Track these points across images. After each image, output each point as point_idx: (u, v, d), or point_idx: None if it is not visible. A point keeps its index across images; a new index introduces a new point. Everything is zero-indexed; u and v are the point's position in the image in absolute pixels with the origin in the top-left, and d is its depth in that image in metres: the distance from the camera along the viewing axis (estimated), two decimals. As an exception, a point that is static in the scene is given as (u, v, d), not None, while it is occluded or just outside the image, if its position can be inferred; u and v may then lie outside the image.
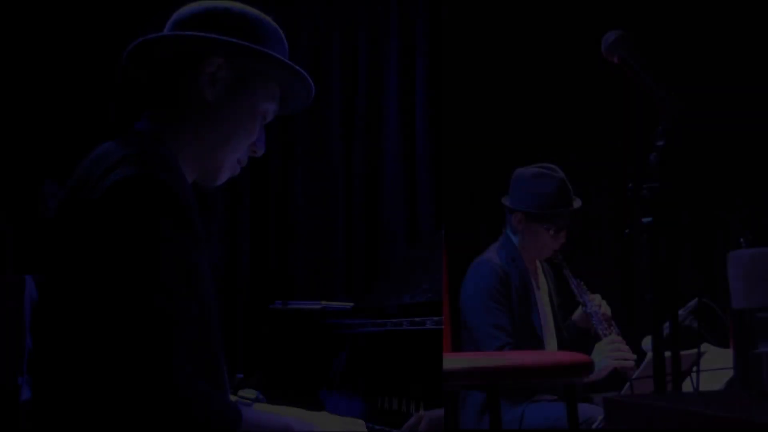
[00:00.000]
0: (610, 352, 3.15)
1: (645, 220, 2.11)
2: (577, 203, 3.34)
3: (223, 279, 5.00)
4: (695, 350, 2.68)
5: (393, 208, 5.08)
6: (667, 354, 2.12)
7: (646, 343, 3.03)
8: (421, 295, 2.69)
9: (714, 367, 2.82)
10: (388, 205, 5.10)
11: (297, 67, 1.76)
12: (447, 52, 4.39)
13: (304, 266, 5.15)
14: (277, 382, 3.18)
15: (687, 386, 2.76)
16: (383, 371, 2.60)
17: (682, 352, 2.21)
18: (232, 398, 1.76)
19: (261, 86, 1.76)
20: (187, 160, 1.73)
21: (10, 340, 4.25)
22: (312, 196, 5.20)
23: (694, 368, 2.76)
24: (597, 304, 3.32)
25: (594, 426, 3.00)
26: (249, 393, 1.84)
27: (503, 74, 4.45)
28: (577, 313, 3.42)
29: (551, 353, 3.17)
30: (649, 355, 2.80)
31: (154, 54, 1.71)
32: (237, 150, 1.77)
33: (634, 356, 3.14)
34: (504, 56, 4.44)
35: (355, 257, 5.12)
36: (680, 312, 2.95)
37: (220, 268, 5.00)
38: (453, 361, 2.51)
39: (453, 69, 4.38)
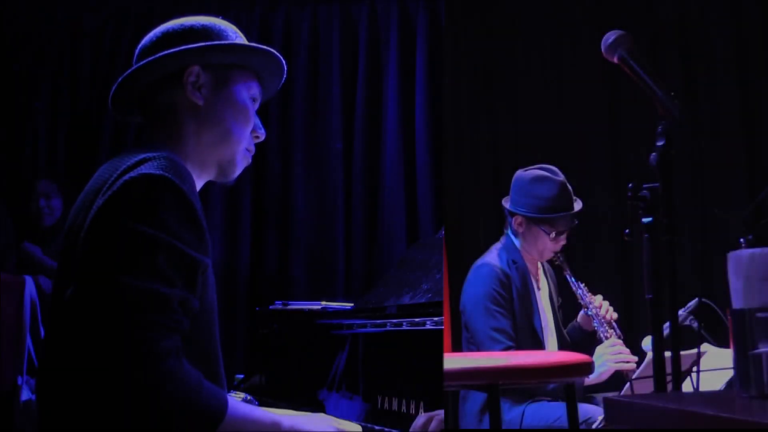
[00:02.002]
0: (610, 356, 3.14)
1: (645, 220, 2.11)
2: (578, 205, 3.31)
3: (223, 279, 5.00)
4: (695, 350, 2.68)
5: (393, 208, 5.08)
6: (667, 354, 2.12)
7: (646, 343, 3.03)
8: (421, 295, 2.69)
9: (714, 367, 2.82)
10: (388, 206, 5.10)
11: (262, 47, 1.91)
12: (447, 52, 4.39)
13: (304, 266, 5.15)
14: (277, 382, 3.18)
15: (687, 386, 2.76)
16: (383, 371, 2.60)
17: (682, 352, 2.21)
18: None
19: (239, 76, 1.91)
20: (197, 163, 1.85)
21: (10, 340, 4.24)
22: (312, 196, 5.20)
23: (694, 368, 2.76)
24: (598, 306, 3.31)
25: (594, 426, 3.00)
26: (236, 396, 1.86)
27: (503, 74, 4.45)
28: (581, 316, 3.42)
29: (551, 353, 3.17)
30: (649, 355, 2.80)
31: (139, 83, 1.86)
32: (242, 138, 1.90)
33: (635, 358, 3.14)
34: (504, 56, 4.44)
35: (355, 257, 5.12)
36: (680, 312, 2.95)
37: (220, 268, 5.00)
38: (453, 361, 2.51)
39: (453, 69, 4.38)
